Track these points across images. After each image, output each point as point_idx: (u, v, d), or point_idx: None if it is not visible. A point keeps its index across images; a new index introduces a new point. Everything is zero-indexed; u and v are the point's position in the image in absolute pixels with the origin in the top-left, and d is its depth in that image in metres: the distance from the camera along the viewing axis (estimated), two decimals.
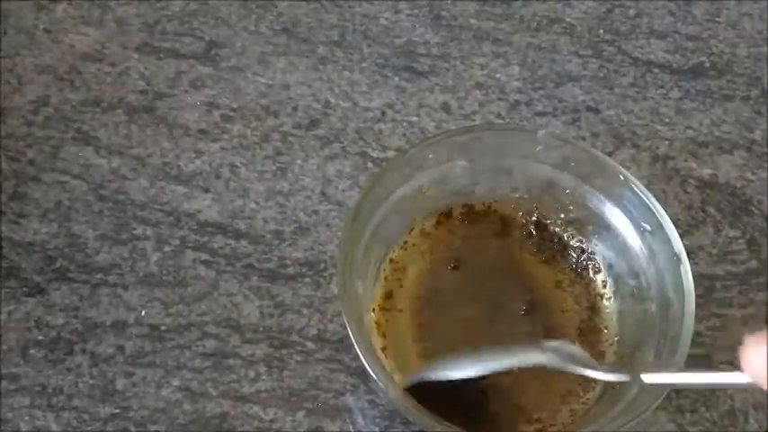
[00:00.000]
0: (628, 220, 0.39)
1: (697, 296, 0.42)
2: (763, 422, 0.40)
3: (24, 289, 0.40)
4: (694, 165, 0.46)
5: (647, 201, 0.38)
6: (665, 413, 0.40)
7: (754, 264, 0.44)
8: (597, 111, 0.48)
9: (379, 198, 0.39)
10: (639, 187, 0.39)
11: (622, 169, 0.39)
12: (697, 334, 0.41)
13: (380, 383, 0.34)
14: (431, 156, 0.40)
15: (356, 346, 0.34)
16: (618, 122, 0.47)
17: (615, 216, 0.40)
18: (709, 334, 0.42)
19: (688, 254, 0.43)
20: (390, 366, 0.38)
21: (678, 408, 0.40)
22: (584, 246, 0.41)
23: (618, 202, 0.39)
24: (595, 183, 0.40)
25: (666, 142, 0.47)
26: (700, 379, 0.33)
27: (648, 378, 0.33)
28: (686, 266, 0.37)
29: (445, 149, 0.40)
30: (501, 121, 0.46)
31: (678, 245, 0.37)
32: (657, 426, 0.39)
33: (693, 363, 0.36)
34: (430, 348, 0.39)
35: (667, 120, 0.48)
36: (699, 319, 0.42)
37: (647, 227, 0.38)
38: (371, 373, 0.34)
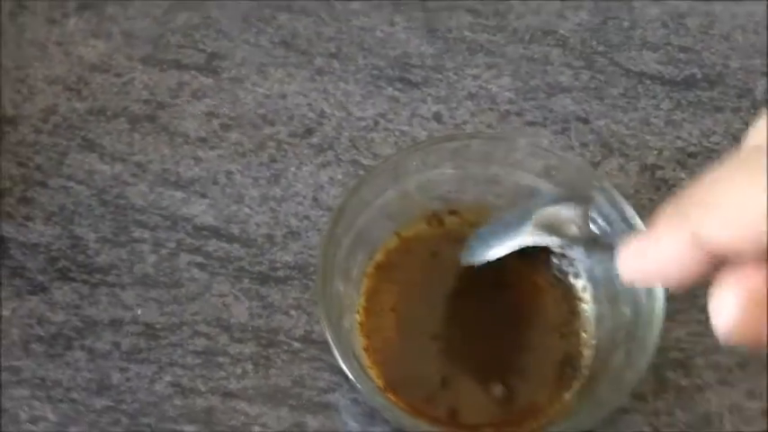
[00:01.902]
0: (605, 226, 0.40)
1: (679, 302, 0.43)
2: (738, 424, 0.40)
3: (28, 287, 0.42)
4: (682, 175, 0.47)
5: (622, 207, 0.39)
6: (641, 415, 0.40)
7: None
8: (587, 121, 0.49)
9: (363, 201, 0.40)
10: (615, 194, 0.39)
11: (600, 177, 0.40)
12: (678, 340, 0.43)
13: (354, 380, 0.35)
14: (416, 162, 0.41)
15: (331, 343, 0.36)
16: (607, 132, 0.48)
17: (594, 224, 0.41)
18: (690, 339, 0.42)
19: None
20: (372, 365, 0.39)
21: (654, 410, 0.41)
22: (565, 252, 0.42)
23: (597, 210, 0.40)
24: (576, 191, 0.41)
25: (655, 152, 0.48)
26: None
27: None
28: None
29: (430, 156, 0.42)
30: (488, 130, 0.48)
31: None
32: (633, 427, 0.40)
33: None
34: (414, 344, 0.40)
35: (657, 130, 0.49)
36: (680, 324, 0.43)
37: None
38: (345, 370, 0.35)
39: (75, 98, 0.48)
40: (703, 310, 0.43)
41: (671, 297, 0.43)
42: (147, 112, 0.48)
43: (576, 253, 0.42)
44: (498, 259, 0.40)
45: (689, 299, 0.43)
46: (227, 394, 0.40)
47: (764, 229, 0.23)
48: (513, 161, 0.42)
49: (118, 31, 0.51)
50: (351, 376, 0.35)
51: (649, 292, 0.37)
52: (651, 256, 0.27)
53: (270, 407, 0.40)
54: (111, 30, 0.51)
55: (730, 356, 0.42)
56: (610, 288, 0.40)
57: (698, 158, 0.48)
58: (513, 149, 0.42)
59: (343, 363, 0.36)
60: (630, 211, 0.39)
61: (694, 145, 0.48)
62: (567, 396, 0.39)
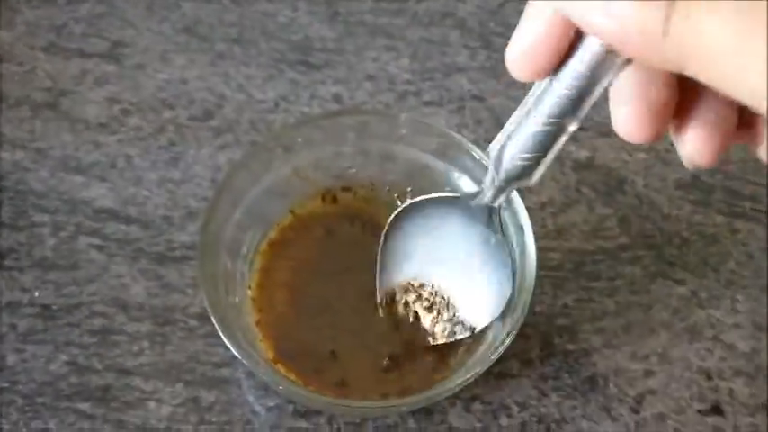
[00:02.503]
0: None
1: (567, 271, 0.45)
2: (622, 385, 0.42)
3: None
4: (572, 148, 0.49)
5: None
6: (528, 380, 0.42)
7: (624, 239, 0.46)
8: (482, 99, 0.50)
9: (251, 177, 0.41)
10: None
11: (479, 152, 0.41)
12: (564, 306, 0.44)
13: (235, 352, 0.36)
14: (300, 139, 0.42)
15: (212, 317, 0.37)
16: (501, 110, 0.50)
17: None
18: (577, 306, 0.44)
19: (561, 231, 0.46)
20: (264, 338, 0.40)
21: (541, 375, 0.42)
22: None
23: (478, 182, 0.42)
24: (458, 164, 0.42)
25: None
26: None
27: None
28: (528, 236, 0.39)
29: (317, 132, 0.43)
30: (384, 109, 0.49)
31: (523, 218, 0.39)
32: (521, 391, 0.42)
33: None
34: (306, 318, 0.41)
35: None
36: (567, 292, 0.44)
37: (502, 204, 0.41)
38: (226, 342, 0.36)
39: None
40: (590, 277, 0.45)
41: (558, 266, 0.45)
42: (49, 100, 0.49)
43: None
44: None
45: (577, 267, 0.45)
46: (123, 371, 0.41)
47: None
48: (400, 138, 0.43)
49: (20, 21, 0.51)
50: (232, 348, 0.36)
51: (523, 257, 0.39)
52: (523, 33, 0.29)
53: (165, 382, 0.41)
54: (14, 19, 0.51)
55: (615, 321, 0.44)
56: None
57: (589, 132, 0.49)
58: (398, 126, 0.43)
59: (225, 336, 0.37)
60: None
61: (586, 120, 0.49)
62: (452, 362, 0.40)
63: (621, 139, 0.49)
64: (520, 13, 0.53)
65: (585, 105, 0.31)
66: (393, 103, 0.50)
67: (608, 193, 0.47)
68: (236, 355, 0.36)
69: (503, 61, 0.51)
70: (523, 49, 0.29)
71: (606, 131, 0.49)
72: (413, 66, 0.51)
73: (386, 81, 0.50)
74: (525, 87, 0.50)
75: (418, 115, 0.48)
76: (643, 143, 0.31)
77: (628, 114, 0.30)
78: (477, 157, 0.41)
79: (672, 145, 0.49)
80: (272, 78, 0.50)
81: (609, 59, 0.28)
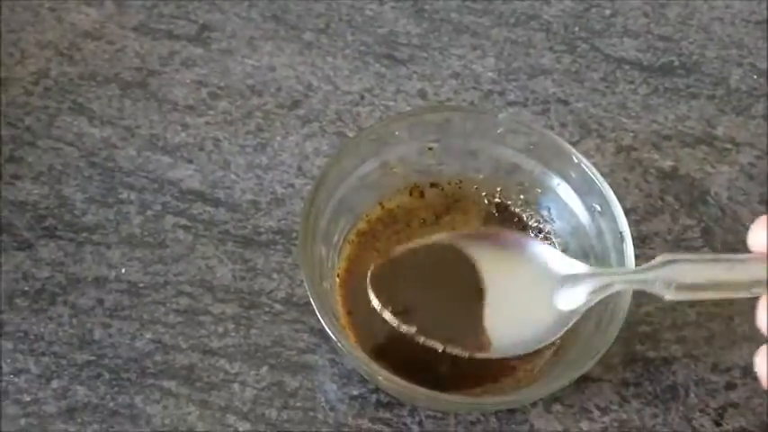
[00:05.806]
0: (580, 202, 0.41)
1: None
2: (703, 396, 0.42)
3: (15, 243, 0.43)
4: (656, 156, 0.49)
5: (597, 183, 0.41)
6: (610, 385, 0.42)
7: (706, 251, 0.46)
8: (566, 103, 0.50)
9: (344, 170, 0.41)
10: (591, 170, 0.41)
11: (577, 152, 0.41)
12: (647, 314, 0.44)
13: (333, 336, 0.36)
14: (397, 133, 0.42)
15: (313, 304, 0.37)
16: (585, 114, 0.50)
17: (570, 197, 0.42)
18: (659, 314, 0.44)
19: (644, 239, 0.46)
20: (347, 325, 0.40)
21: (623, 381, 0.42)
22: (541, 226, 0.43)
23: (573, 184, 0.42)
24: (553, 165, 0.42)
25: (631, 134, 0.49)
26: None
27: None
28: (629, 244, 0.39)
29: (411, 128, 0.43)
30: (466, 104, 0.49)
31: (623, 224, 0.39)
32: (602, 396, 0.42)
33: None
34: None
35: (634, 114, 0.50)
36: (649, 299, 0.44)
37: (598, 207, 0.41)
38: (325, 327, 0.36)
39: (66, 63, 0.49)
40: None
41: None
42: (137, 79, 0.49)
43: (553, 226, 0.43)
44: None
45: None
46: (208, 352, 0.41)
47: None
48: (494, 136, 0.43)
49: (111, 0, 0.52)
50: (330, 333, 0.36)
51: (621, 264, 0.39)
52: None
53: (249, 365, 0.41)
54: None
55: (697, 331, 0.44)
56: (584, 261, 0.41)
57: (672, 141, 0.49)
58: (495, 125, 0.43)
59: (324, 320, 0.37)
60: (606, 188, 0.41)
61: (669, 129, 0.50)
62: (540, 362, 0.40)
63: (704, 151, 0.49)
64: (604, 19, 0.54)
65: None
66: (477, 101, 0.50)
67: (691, 203, 0.47)
68: (333, 339, 0.37)
69: (588, 66, 0.52)
70: None
71: (690, 142, 0.49)
72: (498, 65, 0.51)
73: (471, 79, 0.50)
74: (613, 94, 0.51)
75: (515, 115, 0.48)
76: None
77: None
78: (576, 161, 0.41)
79: (757, 158, 0.49)
80: (357, 71, 0.50)
81: None
